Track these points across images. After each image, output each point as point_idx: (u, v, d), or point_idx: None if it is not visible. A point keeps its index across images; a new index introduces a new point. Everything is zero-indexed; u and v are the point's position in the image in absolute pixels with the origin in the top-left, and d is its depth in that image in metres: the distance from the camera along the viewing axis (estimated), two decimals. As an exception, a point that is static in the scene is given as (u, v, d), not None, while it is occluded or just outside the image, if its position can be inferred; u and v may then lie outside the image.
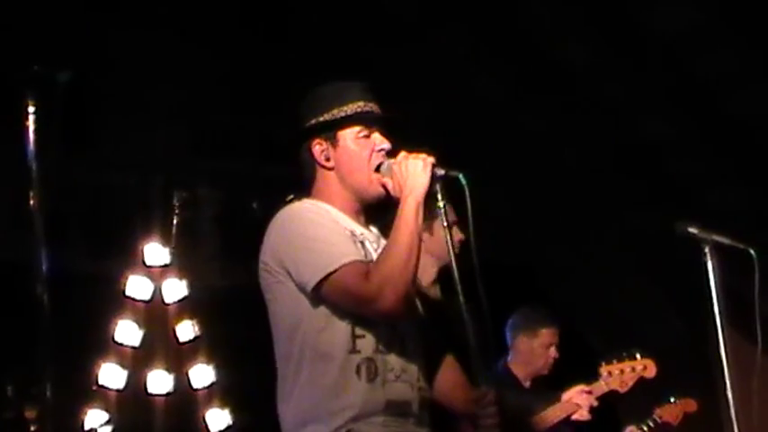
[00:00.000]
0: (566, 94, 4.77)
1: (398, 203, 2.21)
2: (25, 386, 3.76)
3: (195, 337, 5.16)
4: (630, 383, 3.55)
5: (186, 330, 5.16)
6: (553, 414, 3.41)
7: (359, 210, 2.33)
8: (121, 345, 4.98)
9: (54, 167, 2.02)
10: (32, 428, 3.70)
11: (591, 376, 3.58)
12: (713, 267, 2.35)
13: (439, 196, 2.24)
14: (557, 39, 4.53)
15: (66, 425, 4.59)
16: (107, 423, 4.84)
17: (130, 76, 4.75)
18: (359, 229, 2.30)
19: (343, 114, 2.29)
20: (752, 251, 2.37)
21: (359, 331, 2.17)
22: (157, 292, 5.10)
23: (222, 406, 5.17)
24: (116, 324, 4.99)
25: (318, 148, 2.31)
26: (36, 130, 1.94)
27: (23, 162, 1.94)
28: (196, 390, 5.15)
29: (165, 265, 5.11)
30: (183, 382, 5.12)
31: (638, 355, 3.55)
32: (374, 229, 2.37)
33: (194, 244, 5.26)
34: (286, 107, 2.48)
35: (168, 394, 5.05)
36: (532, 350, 3.80)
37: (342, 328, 2.17)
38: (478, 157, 3.76)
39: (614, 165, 5.13)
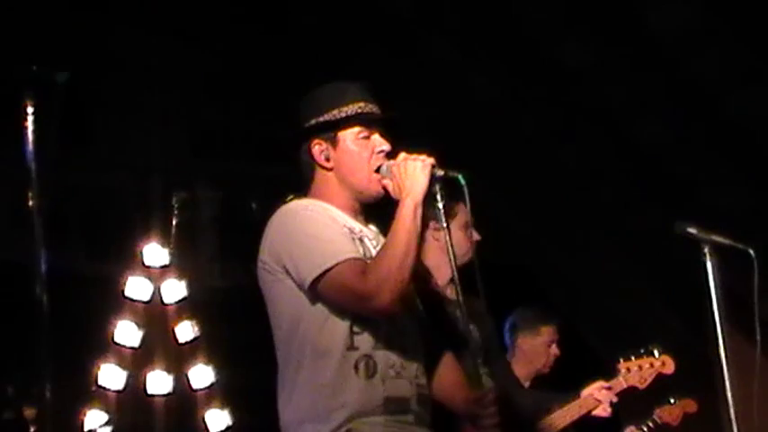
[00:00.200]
0: (564, 95, 4.77)
1: (398, 204, 2.22)
2: (25, 387, 3.76)
3: (194, 338, 5.16)
4: (649, 380, 3.53)
5: (185, 331, 5.16)
6: (574, 410, 3.42)
7: (358, 208, 2.34)
8: (121, 345, 4.98)
9: (53, 168, 2.01)
10: (32, 429, 3.70)
11: (593, 376, 3.60)
12: (712, 268, 2.35)
13: (438, 197, 2.24)
14: (555, 40, 4.53)
15: (66, 425, 4.59)
16: (107, 424, 4.84)
17: (129, 77, 4.76)
18: (358, 226, 2.30)
19: (343, 115, 2.29)
20: (751, 251, 2.37)
21: (357, 328, 2.18)
22: (157, 293, 5.10)
23: (222, 406, 5.17)
24: (115, 325, 4.99)
25: (318, 148, 2.31)
26: (35, 131, 1.94)
27: (22, 163, 1.94)
28: (196, 390, 5.15)
29: (165, 266, 5.11)
30: (182, 383, 5.11)
31: (656, 352, 3.54)
32: (373, 227, 2.37)
33: (193, 245, 5.26)
34: (285, 108, 2.48)
35: (168, 395, 5.04)
36: (535, 349, 3.80)
37: (340, 325, 2.18)
38: (477, 157, 3.75)
39: (613, 165, 5.13)
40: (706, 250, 2.36)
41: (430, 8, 4.55)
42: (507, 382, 3.26)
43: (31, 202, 1.92)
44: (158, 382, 5.03)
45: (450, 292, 2.80)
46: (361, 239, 2.26)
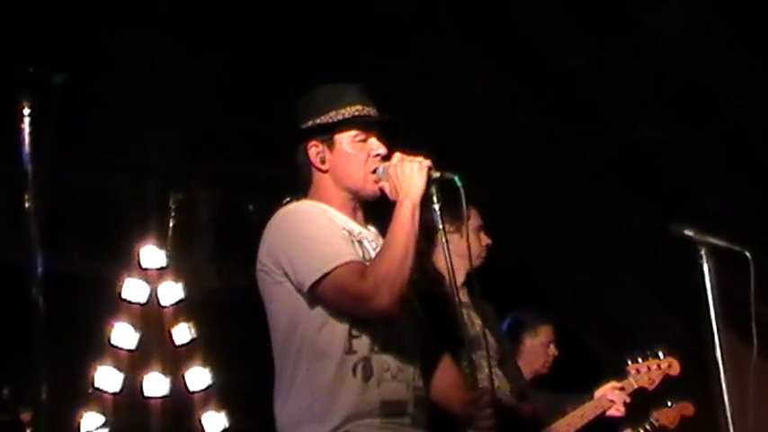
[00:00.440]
0: (561, 96, 4.78)
1: (395, 206, 2.22)
2: (21, 389, 3.75)
3: (191, 340, 5.15)
4: (657, 381, 3.59)
5: (182, 333, 5.15)
6: (590, 411, 3.46)
7: (356, 208, 2.34)
8: (117, 347, 4.97)
9: (49, 169, 2.01)
10: (28, 431, 3.69)
11: (591, 377, 3.64)
12: (709, 269, 2.35)
13: (435, 198, 2.24)
14: (552, 41, 4.54)
15: (62, 428, 4.59)
16: (103, 426, 4.83)
17: (126, 78, 4.75)
18: (356, 227, 2.31)
19: (340, 117, 2.29)
20: (747, 253, 2.37)
21: (355, 331, 2.18)
22: (153, 295, 5.10)
23: (218, 409, 5.16)
24: (112, 327, 4.98)
25: (314, 150, 2.31)
26: (31, 132, 1.94)
27: (19, 164, 1.94)
28: (192, 392, 5.14)
29: (161, 268, 5.11)
30: (179, 385, 5.11)
31: (660, 354, 3.60)
32: (372, 228, 2.37)
33: (190, 246, 5.26)
34: (282, 109, 2.48)
35: (164, 397, 5.04)
36: (534, 349, 3.82)
37: (339, 328, 2.18)
38: (474, 159, 3.76)
39: (610, 167, 5.13)
40: (702, 252, 2.37)
41: (426, 10, 4.55)
42: (522, 384, 3.30)
43: (27, 204, 1.92)
44: (155, 384, 5.03)
45: (462, 295, 2.82)
46: (360, 241, 2.26)
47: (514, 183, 5.23)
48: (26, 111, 1.93)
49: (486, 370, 3.07)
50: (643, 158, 4.96)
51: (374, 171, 2.29)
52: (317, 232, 2.20)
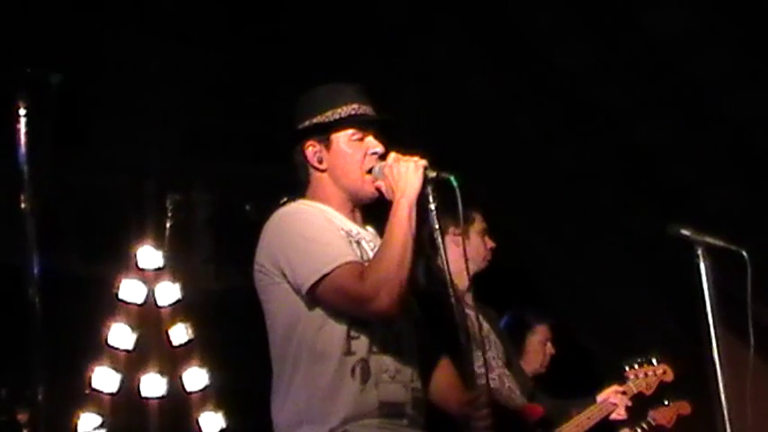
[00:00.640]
0: (561, 96, 4.78)
1: (391, 205, 2.21)
2: (18, 389, 3.75)
3: (189, 341, 5.15)
4: (654, 387, 3.67)
5: (180, 333, 5.15)
6: (595, 414, 3.50)
7: (354, 209, 2.34)
8: (115, 348, 4.97)
9: (46, 170, 2.01)
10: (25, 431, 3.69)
11: (592, 377, 3.68)
12: (706, 269, 2.35)
13: (430, 198, 2.23)
14: (553, 42, 4.54)
15: (60, 428, 4.58)
16: (100, 426, 4.83)
17: (123, 78, 4.75)
18: (355, 228, 2.30)
19: (336, 117, 2.29)
20: (744, 253, 2.37)
21: (354, 332, 2.18)
22: (151, 296, 5.10)
23: (216, 409, 5.16)
24: (109, 327, 4.98)
25: (311, 149, 2.31)
26: (28, 133, 1.94)
27: (15, 164, 1.94)
28: (190, 393, 5.14)
29: (159, 268, 5.11)
30: (176, 386, 5.11)
31: (654, 361, 3.67)
32: (371, 229, 2.37)
33: (188, 247, 5.26)
34: (279, 109, 2.48)
35: (162, 397, 5.04)
36: (532, 347, 3.82)
37: (337, 329, 2.18)
38: (473, 159, 3.76)
39: (609, 166, 5.13)
40: (699, 252, 2.36)
41: (426, 10, 4.55)
42: (531, 385, 3.32)
43: (24, 204, 1.91)
44: (152, 384, 5.03)
45: (469, 298, 2.83)
46: (358, 242, 2.26)
47: (514, 183, 5.23)
48: (23, 111, 1.93)
49: (498, 371, 3.10)
50: (642, 158, 4.97)
51: (370, 170, 2.29)
52: (316, 233, 2.20)
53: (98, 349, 4.93)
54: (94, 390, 4.88)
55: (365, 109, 2.32)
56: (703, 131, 4.65)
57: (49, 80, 1.92)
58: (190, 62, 4.86)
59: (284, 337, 2.22)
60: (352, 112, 2.29)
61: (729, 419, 2.29)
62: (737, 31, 4.11)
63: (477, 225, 3.13)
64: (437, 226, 2.25)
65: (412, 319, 2.31)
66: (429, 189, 2.22)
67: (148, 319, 5.09)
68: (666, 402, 3.98)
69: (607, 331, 5.73)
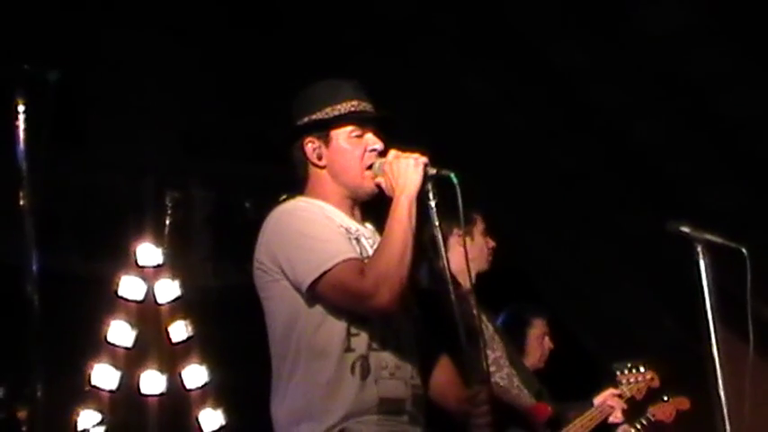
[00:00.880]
0: (559, 95, 4.77)
1: (392, 202, 2.21)
2: (17, 387, 3.74)
3: (188, 338, 5.15)
4: (644, 392, 3.75)
5: (179, 331, 5.15)
6: (596, 417, 3.54)
7: (353, 206, 2.33)
8: (114, 345, 4.97)
9: (44, 167, 2.00)
10: (24, 429, 3.68)
11: (590, 377, 3.70)
12: (705, 266, 2.35)
13: (430, 195, 2.23)
14: (550, 41, 4.53)
15: (59, 425, 4.58)
16: (100, 423, 4.83)
17: (122, 76, 4.75)
18: (354, 225, 2.30)
19: (336, 113, 2.28)
20: (744, 250, 2.37)
21: (354, 329, 2.18)
22: (150, 293, 5.10)
23: (215, 406, 5.16)
24: (109, 324, 4.98)
25: (311, 146, 2.31)
26: (26, 130, 1.93)
27: (13, 162, 1.93)
28: (189, 390, 5.14)
29: (158, 266, 5.10)
30: (176, 383, 5.11)
31: (641, 368, 3.74)
32: (370, 225, 2.37)
33: (187, 244, 5.26)
34: (278, 107, 2.48)
35: (161, 395, 5.04)
36: (529, 342, 3.83)
37: (338, 326, 2.17)
38: (470, 157, 3.76)
39: (606, 165, 5.13)
40: (699, 249, 2.36)
41: (425, 9, 4.55)
42: (538, 384, 3.34)
43: (22, 202, 1.91)
44: (152, 381, 5.03)
45: (471, 300, 2.83)
46: (357, 239, 2.26)
47: (511, 181, 5.23)
48: (21, 108, 1.93)
49: (506, 369, 3.11)
50: (640, 157, 4.97)
51: (370, 167, 2.28)
52: (315, 230, 2.19)
53: (97, 346, 4.93)
54: (94, 387, 4.88)
55: (365, 106, 2.31)
56: (701, 130, 4.65)
57: (46, 77, 1.92)
58: (189, 61, 4.86)
59: (284, 334, 2.22)
60: (352, 109, 2.29)
61: (728, 416, 2.29)
62: (734, 30, 4.11)
63: (480, 225, 3.15)
64: (437, 223, 2.24)
65: (411, 316, 2.31)
66: (429, 186, 2.22)
67: (148, 316, 5.09)
68: (666, 398, 3.99)
69: (606, 330, 5.73)
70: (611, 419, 3.57)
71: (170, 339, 5.14)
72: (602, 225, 5.44)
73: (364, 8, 4.56)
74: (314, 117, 2.29)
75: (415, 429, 2.23)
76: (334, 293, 2.15)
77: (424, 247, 2.31)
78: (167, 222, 5.08)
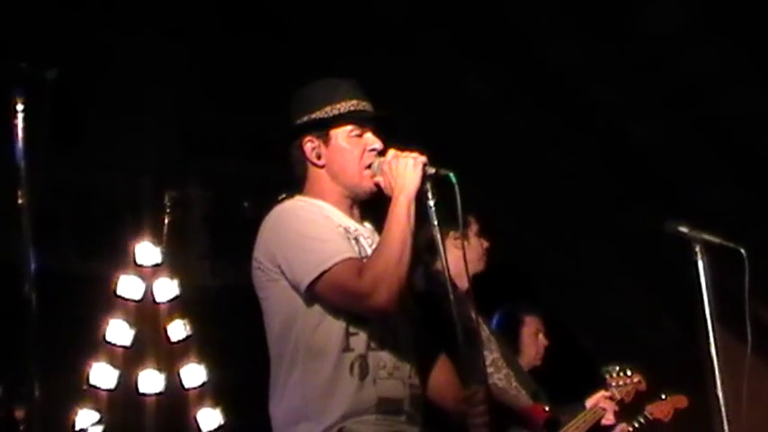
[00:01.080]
0: (557, 95, 4.77)
1: (390, 201, 2.21)
2: (14, 386, 3.74)
3: (186, 337, 5.15)
4: (632, 395, 3.76)
5: (177, 330, 5.15)
6: (589, 420, 3.56)
7: (352, 205, 2.33)
8: (112, 344, 4.97)
9: (43, 166, 2.00)
10: (21, 428, 3.68)
11: (589, 377, 3.71)
12: (704, 266, 2.35)
13: (429, 195, 2.23)
14: (549, 40, 4.53)
15: (57, 425, 4.58)
16: (98, 423, 4.83)
17: (120, 75, 4.74)
18: (353, 224, 2.30)
19: (336, 113, 2.28)
20: (742, 250, 2.37)
21: (353, 329, 2.18)
22: (148, 292, 5.09)
23: (213, 405, 5.16)
24: (107, 323, 4.97)
25: (310, 145, 2.30)
26: (25, 129, 1.93)
27: (12, 161, 1.93)
28: (187, 389, 5.14)
29: (157, 265, 5.10)
30: (174, 382, 5.11)
31: (628, 371, 3.76)
32: (368, 225, 2.37)
33: (185, 243, 5.25)
34: (276, 107, 2.47)
35: (159, 394, 5.04)
36: (523, 340, 3.83)
37: (336, 326, 2.17)
38: (468, 156, 3.75)
39: (603, 165, 5.13)
40: (697, 249, 2.36)
41: (422, 8, 4.54)
42: (535, 385, 3.34)
43: (20, 201, 1.91)
44: (150, 380, 5.03)
45: (468, 303, 2.83)
46: (356, 239, 2.25)
47: (508, 181, 5.23)
48: (19, 107, 1.92)
49: (504, 371, 3.11)
50: (638, 156, 4.97)
51: (369, 166, 2.28)
52: (314, 230, 2.19)
53: (95, 345, 4.93)
54: (92, 386, 4.88)
55: (364, 105, 2.31)
56: (700, 130, 4.65)
57: (45, 76, 1.91)
58: (187, 59, 4.85)
59: (282, 333, 2.21)
60: (352, 108, 2.29)
61: (726, 416, 2.29)
62: (732, 29, 4.11)
63: (474, 227, 3.16)
64: (436, 222, 2.24)
65: (409, 315, 2.31)
66: (428, 185, 2.22)
67: (146, 315, 5.08)
68: (663, 396, 4.00)
69: (605, 330, 5.73)
70: (603, 422, 3.59)
71: (168, 338, 5.13)
72: (600, 225, 5.44)
73: (364, 8, 4.56)
74: (313, 116, 2.29)
75: (412, 429, 2.23)
76: (333, 293, 2.14)
77: (419, 250, 2.30)
78: (166, 221, 5.08)
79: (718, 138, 4.66)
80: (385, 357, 2.19)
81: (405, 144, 2.27)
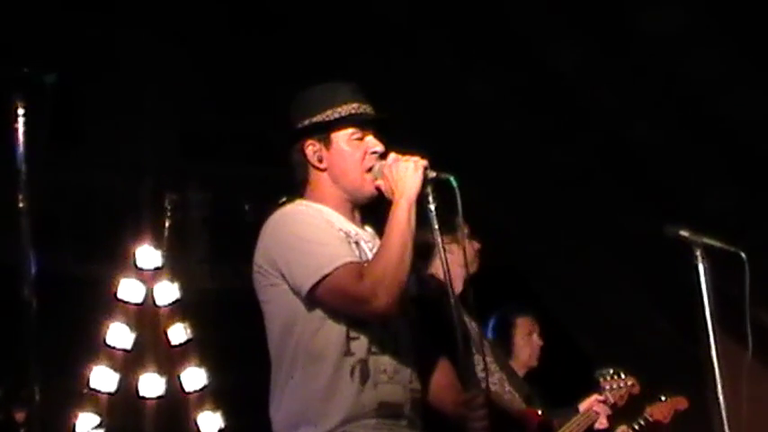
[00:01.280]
0: (555, 96, 4.77)
1: (391, 205, 2.21)
2: (14, 389, 3.74)
3: (187, 340, 5.15)
4: (626, 398, 3.73)
5: (178, 333, 5.15)
6: (582, 423, 3.54)
7: (353, 209, 2.33)
8: (113, 348, 4.97)
9: (43, 169, 2.00)
10: (21, 431, 3.69)
11: (586, 379, 3.70)
12: (704, 270, 2.35)
13: (430, 198, 2.23)
14: (549, 42, 4.54)
15: (57, 428, 4.58)
16: (98, 426, 4.83)
17: (120, 78, 4.75)
18: (354, 228, 2.29)
19: (336, 116, 2.28)
20: (742, 254, 2.37)
21: (353, 333, 2.18)
22: (149, 295, 5.09)
23: (214, 409, 5.16)
24: (108, 327, 4.98)
25: (311, 149, 2.30)
26: (25, 132, 1.93)
27: (12, 163, 1.93)
28: (188, 393, 5.14)
29: (157, 268, 5.10)
30: (174, 385, 5.10)
31: (622, 374, 3.73)
32: (369, 229, 2.37)
33: (185, 246, 5.25)
34: (276, 109, 2.47)
35: (160, 397, 5.04)
36: (516, 342, 3.83)
37: (336, 330, 2.17)
38: (470, 160, 3.76)
39: (604, 167, 5.13)
40: (698, 253, 2.36)
41: (422, 10, 4.55)
42: (528, 389, 3.34)
43: (20, 203, 1.91)
44: (150, 384, 5.02)
45: (466, 304, 2.83)
46: (356, 243, 2.25)
47: (509, 183, 5.23)
48: (20, 111, 1.93)
49: (498, 375, 3.11)
50: (638, 158, 4.97)
51: (370, 169, 2.28)
52: (315, 234, 2.19)
53: (96, 349, 4.93)
54: (92, 389, 4.88)
55: (365, 108, 2.31)
56: (700, 132, 4.65)
57: (44, 79, 1.92)
58: (186, 62, 4.86)
59: (282, 337, 2.21)
60: (353, 111, 2.29)
61: (727, 419, 2.29)
62: (733, 30, 4.11)
63: (464, 230, 3.14)
64: (436, 226, 2.24)
65: (409, 319, 2.31)
66: (429, 189, 2.22)
67: (147, 318, 5.08)
68: (663, 398, 3.99)
69: (603, 332, 5.73)
70: (596, 425, 3.57)
71: (169, 342, 5.13)
72: (601, 228, 5.44)
73: (364, 9, 4.56)
74: (314, 120, 2.29)
75: (411, 433, 2.23)
76: (334, 297, 2.14)
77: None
78: (166, 224, 5.08)
79: (719, 140, 4.66)
80: (385, 361, 2.19)
81: (406, 147, 2.27)
